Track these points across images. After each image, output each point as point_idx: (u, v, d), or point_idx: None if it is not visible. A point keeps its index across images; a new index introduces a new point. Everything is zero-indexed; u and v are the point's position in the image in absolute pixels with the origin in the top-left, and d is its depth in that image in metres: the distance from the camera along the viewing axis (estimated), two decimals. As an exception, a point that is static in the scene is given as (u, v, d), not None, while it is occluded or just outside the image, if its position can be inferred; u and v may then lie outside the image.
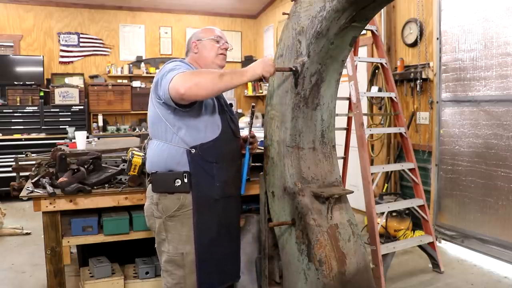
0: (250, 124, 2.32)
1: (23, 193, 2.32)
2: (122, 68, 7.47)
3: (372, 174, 3.32)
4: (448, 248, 4.06)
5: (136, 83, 7.40)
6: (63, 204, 2.29)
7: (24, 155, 3.07)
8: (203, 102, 2.01)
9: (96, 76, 7.30)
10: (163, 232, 2.02)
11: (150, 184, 2.07)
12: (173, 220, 2.00)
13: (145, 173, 2.24)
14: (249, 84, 8.11)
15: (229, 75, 1.87)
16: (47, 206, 2.26)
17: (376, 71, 4.80)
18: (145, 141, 2.30)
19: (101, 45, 7.46)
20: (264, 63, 1.92)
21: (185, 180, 1.98)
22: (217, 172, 2.04)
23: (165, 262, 2.04)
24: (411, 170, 3.59)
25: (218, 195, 2.06)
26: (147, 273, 2.67)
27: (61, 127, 6.52)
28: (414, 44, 4.48)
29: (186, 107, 1.93)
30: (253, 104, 2.47)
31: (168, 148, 2.00)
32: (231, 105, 2.29)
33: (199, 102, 1.97)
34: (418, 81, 4.34)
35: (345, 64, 2.64)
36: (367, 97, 4.79)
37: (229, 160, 2.13)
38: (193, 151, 1.99)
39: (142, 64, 7.60)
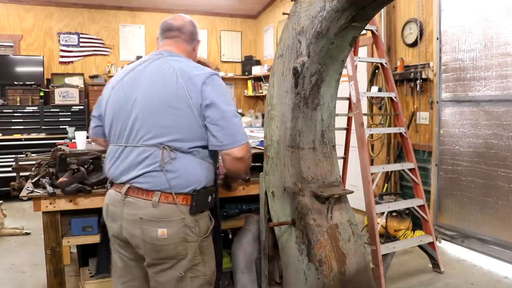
0: None
1: (23, 193, 2.32)
2: (122, 68, 7.47)
3: (372, 174, 3.32)
4: (448, 248, 4.06)
5: (136, 83, 7.39)
6: (63, 204, 2.29)
7: (24, 155, 3.08)
8: None
9: (96, 76, 7.30)
10: (198, 256, 1.80)
11: (172, 206, 1.74)
12: (206, 240, 1.85)
13: None
14: (249, 84, 8.12)
15: None
16: (47, 206, 2.26)
17: (376, 71, 4.81)
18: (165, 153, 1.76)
19: (101, 45, 7.46)
20: None
21: (213, 195, 1.88)
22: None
23: (200, 286, 1.83)
24: (411, 170, 3.59)
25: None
26: (147, 273, 2.67)
27: (61, 127, 6.51)
28: (414, 44, 4.48)
29: None
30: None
31: (202, 163, 1.81)
32: None
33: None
34: (418, 81, 4.34)
35: (345, 64, 2.64)
36: (367, 97, 4.79)
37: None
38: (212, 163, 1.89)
39: (142, 64, 7.59)
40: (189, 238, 1.75)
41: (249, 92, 8.18)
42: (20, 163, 2.92)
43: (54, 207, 2.28)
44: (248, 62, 8.19)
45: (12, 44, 7.00)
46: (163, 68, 1.79)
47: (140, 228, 1.73)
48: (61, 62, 7.23)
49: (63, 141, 5.04)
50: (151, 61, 1.86)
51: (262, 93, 7.71)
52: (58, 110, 6.65)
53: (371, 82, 4.90)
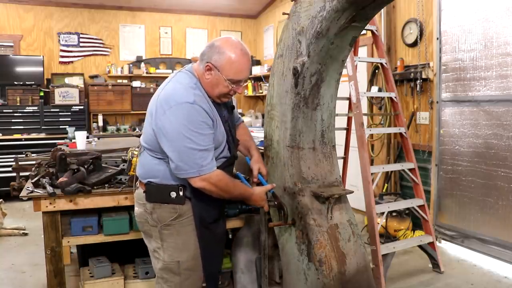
0: None
1: (23, 193, 2.32)
2: (122, 68, 7.47)
3: (372, 174, 3.32)
4: (448, 248, 4.06)
5: (136, 83, 7.39)
6: (63, 204, 2.29)
7: (24, 155, 3.08)
8: (216, 136, 1.92)
9: (96, 76, 7.30)
10: (158, 240, 1.99)
11: (141, 191, 2.01)
12: (168, 229, 1.97)
13: None
14: (249, 84, 8.12)
15: (243, 196, 2.02)
16: (47, 206, 2.26)
17: (376, 71, 4.80)
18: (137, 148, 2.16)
19: (101, 45, 7.46)
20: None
21: (181, 193, 1.94)
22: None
23: (160, 270, 2.01)
24: (411, 170, 3.59)
25: (216, 215, 2.06)
26: (147, 273, 2.67)
27: (61, 127, 6.51)
28: (414, 44, 4.48)
29: None
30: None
31: (165, 168, 1.93)
32: (232, 108, 2.15)
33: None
34: (418, 81, 4.34)
35: (345, 64, 2.64)
36: (367, 97, 4.79)
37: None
38: None
39: (142, 64, 7.60)
40: (150, 222, 2.00)
41: (249, 92, 8.18)
42: (20, 163, 2.92)
43: (54, 207, 2.28)
44: (248, 62, 8.18)
45: (12, 44, 7.00)
46: (161, 88, 1.98)
47: None
48: (61, 62, 7.23)
49: (63, 141, 5.04)
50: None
51: (262, 93, 7.71)
52: (58, 110, 6.65)
53: (371, 82, 4.90)
